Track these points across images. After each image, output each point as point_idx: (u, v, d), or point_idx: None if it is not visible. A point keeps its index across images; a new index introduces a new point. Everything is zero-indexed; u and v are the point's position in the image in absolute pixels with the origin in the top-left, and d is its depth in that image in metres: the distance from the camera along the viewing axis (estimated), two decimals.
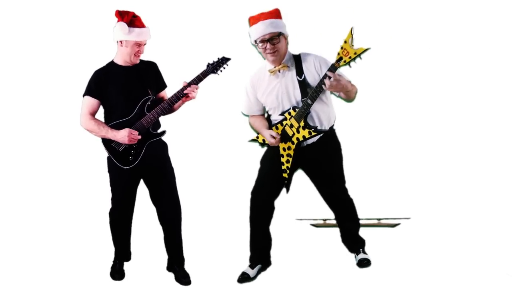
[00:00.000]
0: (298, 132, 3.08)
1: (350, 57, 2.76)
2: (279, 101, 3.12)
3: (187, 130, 3.98)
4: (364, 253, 3.39)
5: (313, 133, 3.06)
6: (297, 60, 3.09)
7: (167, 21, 4.24)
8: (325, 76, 2.89)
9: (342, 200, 3.32)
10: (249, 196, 3.28)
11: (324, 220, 4.05)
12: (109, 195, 3.20)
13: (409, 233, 3.83)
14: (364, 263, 3.34)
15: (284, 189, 3.25)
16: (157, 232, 3.28)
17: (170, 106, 3.08)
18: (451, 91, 4.29)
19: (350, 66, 2.82)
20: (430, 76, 4.35)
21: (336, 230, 3.59)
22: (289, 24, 3.07)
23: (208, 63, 3.11)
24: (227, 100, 4.16)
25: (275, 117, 3.18)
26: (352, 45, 2.74)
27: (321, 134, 3.10)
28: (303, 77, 3.04)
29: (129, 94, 3.06)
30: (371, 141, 4.14)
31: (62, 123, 4.15)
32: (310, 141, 3.13)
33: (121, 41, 3.03)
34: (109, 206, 3.23)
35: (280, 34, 3.02)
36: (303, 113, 3.03)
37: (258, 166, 3.28)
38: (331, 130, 3.20)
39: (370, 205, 3.36)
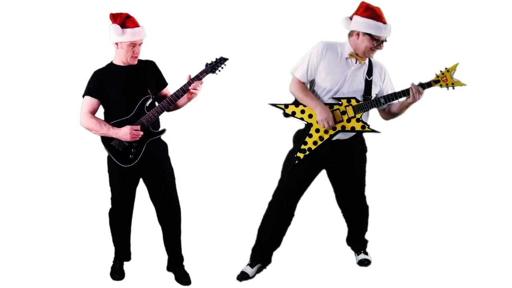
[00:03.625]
0: (349, 121, 3.07)
1: (447, 84, 3.06)
2: (340, 86, 3.09)
3: (186, 130, 3.98)
4: (365, 253, 3.40)
5: (366, 129, 3.09)
6: (369, 62, 3.14)
7: (166, 20, 4.26)
8: (415, 88, 3.00)
9: (359, 209, 3.33)
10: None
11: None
12: (109, 195, 3.21)
13: (409, 233, 3.83)
14: (364, 263, 3.36)
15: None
16: (157, 232, 3.29)
17: (169, 105, 3.08)
18: (450, 91, 4.29)
19: (441, 88, 3.09)
20: (429, 76, 4.34)
21: (335, 230, 3.59)
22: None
23: (207, 63, 3.11)
24: (225, 99, 4.17)
25: (325, 99, 3.11)
26: (452, 76, 3.06)
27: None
28: (371, 78, 3.11)
29: (128, 94, 3.06)
30: (371, 141, 4.13)
31: (62, 123, 4.16)
32: (344, 137, 3.11)
33: (116, 43, 3.05)
34: (109, 206, 3.24)
35: None
36: (367, 107, 3.07)
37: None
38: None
39: (370, 205, 3.37)
